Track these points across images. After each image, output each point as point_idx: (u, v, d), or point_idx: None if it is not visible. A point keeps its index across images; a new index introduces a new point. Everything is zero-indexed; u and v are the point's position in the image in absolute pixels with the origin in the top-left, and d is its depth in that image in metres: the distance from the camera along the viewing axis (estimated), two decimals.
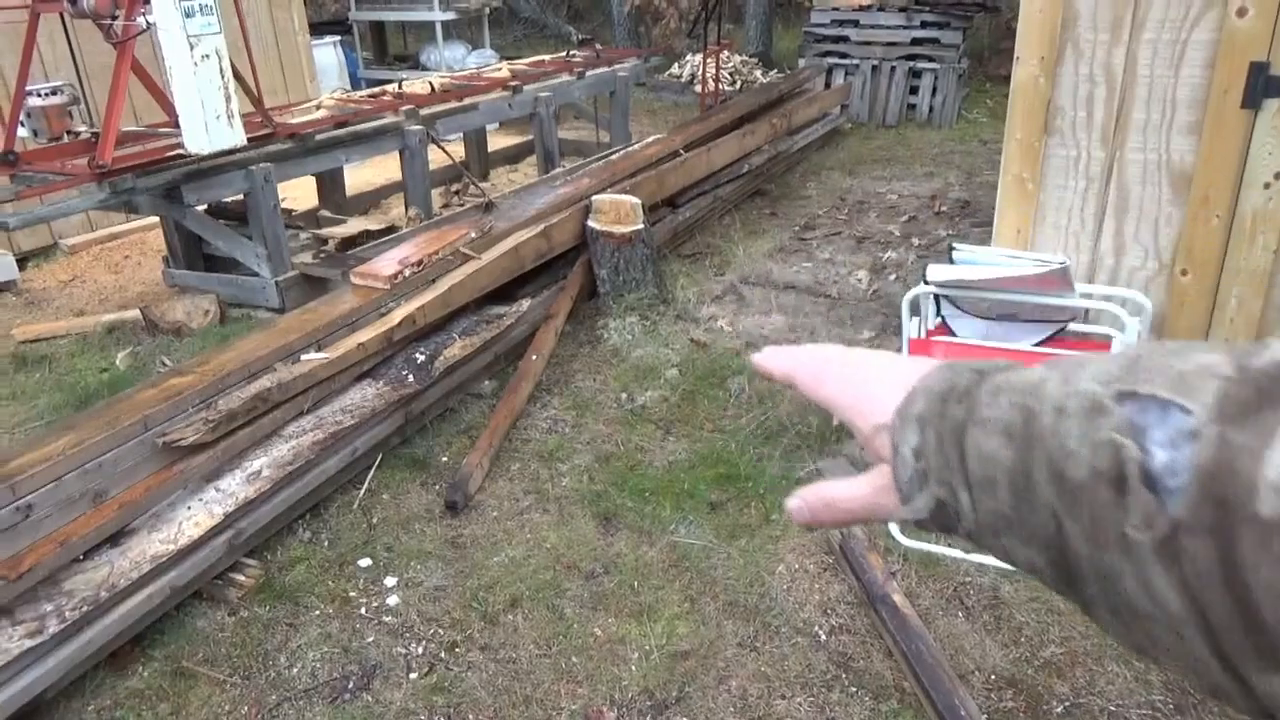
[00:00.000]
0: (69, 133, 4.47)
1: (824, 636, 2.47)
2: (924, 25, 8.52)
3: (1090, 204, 2.75)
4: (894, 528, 2.76)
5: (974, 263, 2.72)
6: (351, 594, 2.65)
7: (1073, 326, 2.83)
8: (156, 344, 4.26)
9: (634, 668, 2.37)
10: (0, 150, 4.14)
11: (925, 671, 2.22)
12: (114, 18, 4.01)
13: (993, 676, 2.32)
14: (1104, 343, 2.76)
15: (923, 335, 2.86)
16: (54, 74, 5.06)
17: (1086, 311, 2.80)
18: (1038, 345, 2.83)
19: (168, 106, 4.62)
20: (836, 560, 2.72)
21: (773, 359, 0.57)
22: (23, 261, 5.36)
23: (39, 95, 4.37)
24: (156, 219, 5.04)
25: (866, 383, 0.51)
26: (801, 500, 0.52)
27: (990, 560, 2.63)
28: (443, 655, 2.43)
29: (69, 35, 5.34)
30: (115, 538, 2.41)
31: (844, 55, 8.81)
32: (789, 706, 2.26)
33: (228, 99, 4.07)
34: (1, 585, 2.07)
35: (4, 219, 3.83)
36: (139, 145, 4.38)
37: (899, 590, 2.51)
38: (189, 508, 2.56)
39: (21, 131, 4.32)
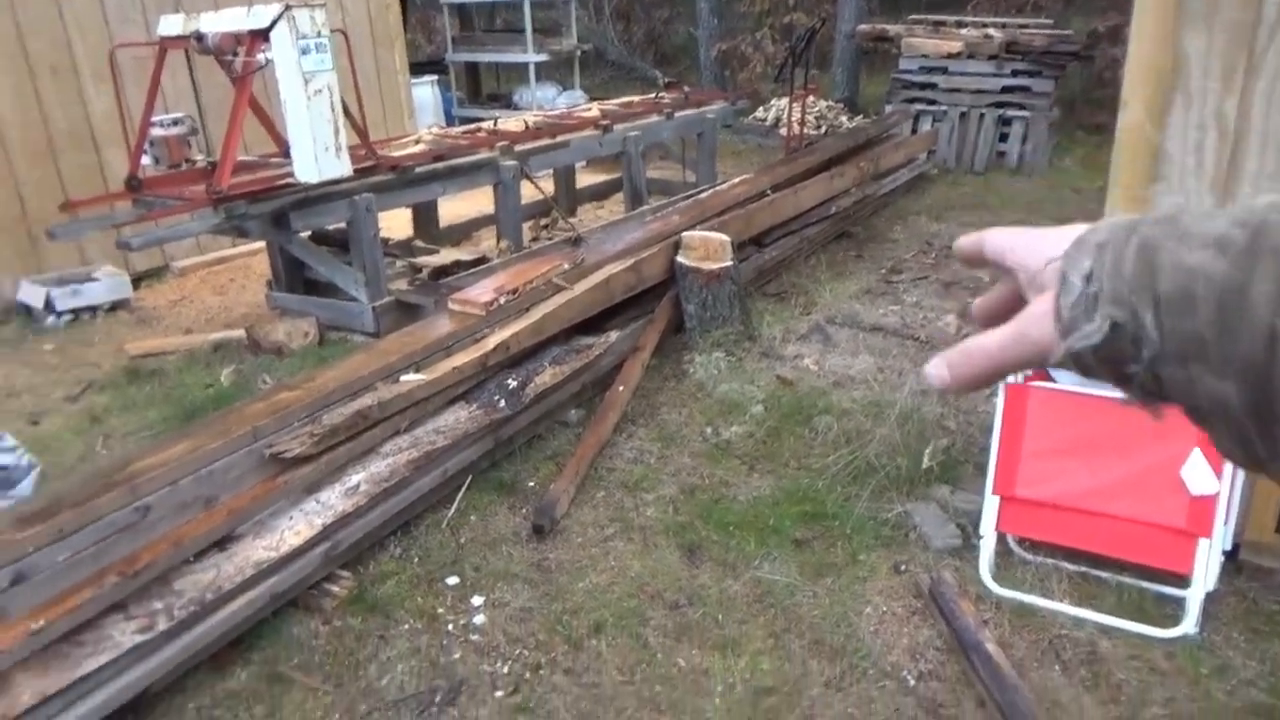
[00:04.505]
0: (187, 161, 4.73)
1: (913, 682, 2.41)
2: (1015, 74, 8.45)
3: None
4: (985, 574, 2.70)
5: None
6: (439, 610, 2.69)
7: None
8: (259, 363, 4.44)
9: (718, 700, 2.36)
10: (126, 176, 4.41)
11: None
12: (235, 54, 4.25)
13: None
14: None
15: (1021, 380, 2.81)
16: (175, 107, 5.36)
17: None
18: None
19: (279, 138, 4.86)
20: (926, 605, 2.66)
21: (963, 240, 0.56)
22: (136, 281, 5.65)
23: (161, 126, 4.65)
24: (263, 244, 5.28)
25: (1046, 236, 0.49)
26: (941, 359, 0.49)
27: (1088, 613, 2.55)
28: (527, 676, 2.45)
29: (191, 70, 5.67)
30: (223, 542, 2.51)
31: (932, 101, 8.77)
32: None
33: (336, 132, 4.27)
34: (118, 581, 2.17)
35: (126, 240, 4.05)
36: (251, 174, 4.60)
37: (992, 639, 2.45)
38: (291, 517, 2.65)
39: (145, 160, 4.59)
